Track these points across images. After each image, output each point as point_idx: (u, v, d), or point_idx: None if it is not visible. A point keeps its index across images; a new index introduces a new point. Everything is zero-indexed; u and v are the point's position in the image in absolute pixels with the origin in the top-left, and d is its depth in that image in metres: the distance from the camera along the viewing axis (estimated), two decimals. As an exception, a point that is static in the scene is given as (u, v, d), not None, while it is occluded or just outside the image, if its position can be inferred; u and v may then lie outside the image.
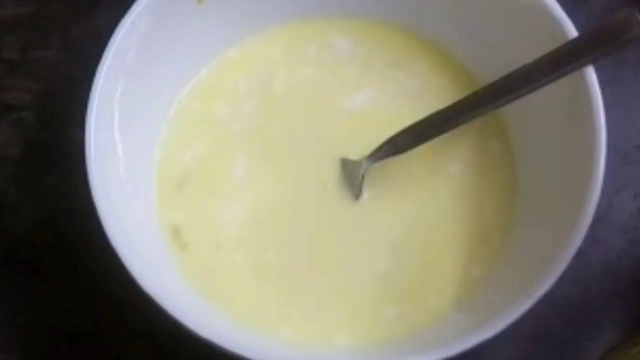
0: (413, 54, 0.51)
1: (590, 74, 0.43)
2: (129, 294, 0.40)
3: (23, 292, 0.49)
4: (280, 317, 0.45)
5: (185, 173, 0.48)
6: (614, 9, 0.44)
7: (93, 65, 0.44)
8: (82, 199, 0.42)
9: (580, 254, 0.40)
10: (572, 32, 0.44)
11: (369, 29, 0.51)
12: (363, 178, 0.48)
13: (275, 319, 0.45)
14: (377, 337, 0.45)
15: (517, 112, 0.48)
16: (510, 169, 0.48)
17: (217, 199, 0.48)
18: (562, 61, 0.43)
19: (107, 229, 0.41)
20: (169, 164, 0.48)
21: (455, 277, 0.46)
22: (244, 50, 0.51)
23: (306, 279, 0.46)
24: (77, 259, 0.49)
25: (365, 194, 0.48)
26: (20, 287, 0.49)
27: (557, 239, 0.41)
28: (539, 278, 0.40)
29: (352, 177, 0.48)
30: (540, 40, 0.44)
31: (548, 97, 0.45)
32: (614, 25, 0.42)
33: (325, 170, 0.48)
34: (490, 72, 0.47)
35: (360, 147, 0.48)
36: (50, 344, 0.48)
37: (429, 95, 0.49)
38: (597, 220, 0.41)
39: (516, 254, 0.45)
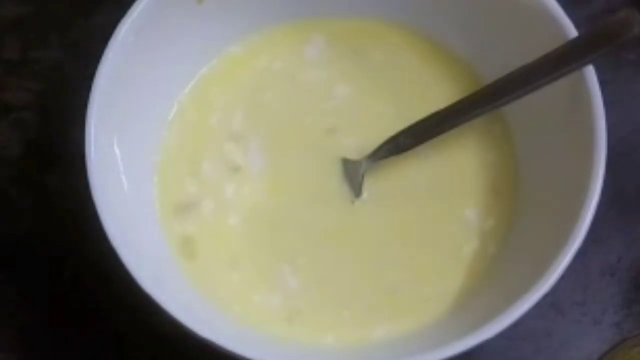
0: (412, 53, 0.51)
1: (590, 74, 0.43)
2: (129, 294, 0.40)
3: (23, 291, 0.49)
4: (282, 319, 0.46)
5: (187, 174, 0.48)
6: (614, 9, 0.44)
7: (93, 65, 0.44)
8: (82, 199, 0.42)
9: (580, 254, 0.40)
10: (572, 32, 0.44)
11: (369, 28, 0.51)
12: (363, 178, 0.48)
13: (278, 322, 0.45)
14: (376, 337, 0.45)
15: (517, 112, 0.48)
16: (511, 168, 0.48)
17: (218, 202, 0.48)
18: (562, 61, 0.43)
19: (107, 229, 0.41)
20: (170, 165, 0.48)
21: (455, 277, 0.46)
22: (245, 49, 0.51)
23: (312, 281, 0.46)
24: (76, 260, 0.49)
25: (365, 194, 0.48)
26: (20, 286, 0.49)
27: (557, 239, 0.41)
28: (539, 278, 0.40)
29: (352, 177, 0.48)
30: (540, 40, 0.44)
31: (548, 97, 0.45)
32: (614, 25, 0.42)
33: (325, 170, 0.48)
34: (490, 72, 0.47)
35: (360, 147, 0.48)
36: (50, 344, 0.48)
37: (429, 95, 0.49)
38: (597, 220, 0.41)
39: (516, 254, 0.45)
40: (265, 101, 0.50)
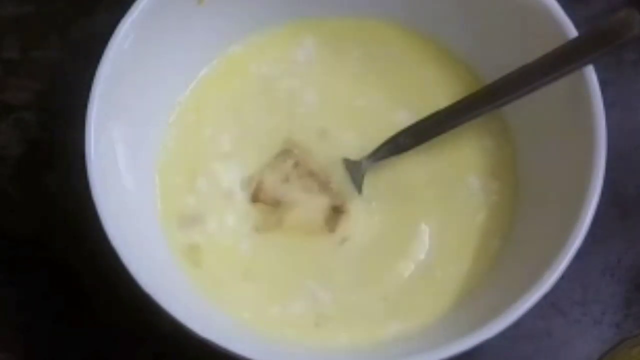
0: (413, 53, 0.51)
1: (590, 74, 0.43)
2: (129, 294, 0.40)
3: (23, 291, 0.49)
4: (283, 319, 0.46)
5: (188, 185, 0.48)
6: (614, 9, 0.44)
7: (93, 65, 0.44)
8: (82, 199, 0.42)
9: (580, 254, 0.40)
10: (572, 32, 0.44)
11: (370, 28, 0.51)
12: (363, 177, 0.48)
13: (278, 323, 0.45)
14: (376, 337, 0.45)
15: (517, 112, 0.48)
16: (511, 169, 0.48)
17: (221, 218, 0.47)
18: (562, 61, 0.43)
19: (107, 229, 0.41)
20: (170, 166, 0.48)
21: (455, 277, 0.46)
22: (245, 49, 0.51)
23: (333, 286, 0.46)
24: (76, 259, 0.49)
25: (366, 192, 0.48)
26: (20, 286, 0.49)
27: (557, 239, 0.41)
28: (539, 278, 0.40)
29: (353, 177, 0.48)
30: (540, 40, 0.44)
31: (548, 97, 0.45)
32: (614, 25, 0.42)
33: (325, 170, 0.48)
34: (490, 72, 0.47)
35: (360, 147, 0.48)
36: (50, 344, 0.48)
37: (429, 95, 0.49)
38: (597, 220, 0.41)
39: (516, 254, 0.45)
40: (258, 109, 0.50)
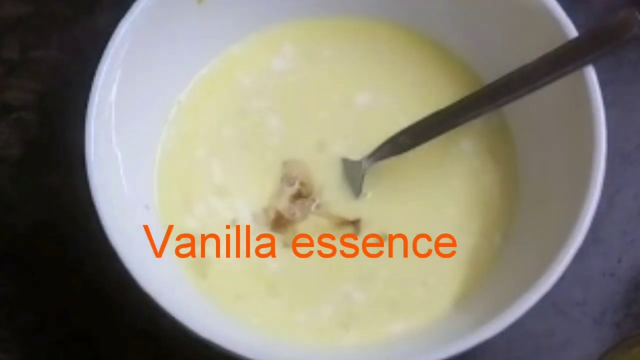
0: (413, 53, 0.51)
1: (590, 74, 0.43)
2: (129, 295, 0.40)
3: (23, 292, 0.49)
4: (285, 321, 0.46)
5: (188, 176, 0.48)
6: (614, 9, 0.44)
7: (93, 65, 0.44)
8: (82, 199, 0.42)
9: (580, 254, 0.40)
10: (572, 32, 0.44)
11: (370, 28, 0.51)
12: (363, 177, 0.48)
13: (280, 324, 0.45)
14: (376, 336, 0.45)
15: (517, 111, 0.48)
16: (511, 168, 0.48)
17: (219, 203, 0.48)
18: (562, 61, 0.43)
19: (107, 229, 0.41)
20: (170, 166, 0.48)
21: (456, 276, 0.46)
22: (245, 49, 0.51)
23: (313, 284, 0.46)
24: (76, 259, 0.49)
25: (366, 194, 0.48)
26: (20, 287, 0.49)
27: (557, 239, 0.41)
28: (539, 278, 0.40)
29: (353, 177, 0.48)
30: (540, 40, 0.44)
31: (548, 97, 0.45)
32: (614, 25, 0.42)
33: (325, 169, 0.48)
34: (491, 72, 0.47)
35: (360, 147, 0.48)
36: (50, 344, 0.48)
37: (429, 95, 0.49)
38: (597, 220, 0.41)
39: (516, 254, 0.46)
40: (255, 119, 0.50)
